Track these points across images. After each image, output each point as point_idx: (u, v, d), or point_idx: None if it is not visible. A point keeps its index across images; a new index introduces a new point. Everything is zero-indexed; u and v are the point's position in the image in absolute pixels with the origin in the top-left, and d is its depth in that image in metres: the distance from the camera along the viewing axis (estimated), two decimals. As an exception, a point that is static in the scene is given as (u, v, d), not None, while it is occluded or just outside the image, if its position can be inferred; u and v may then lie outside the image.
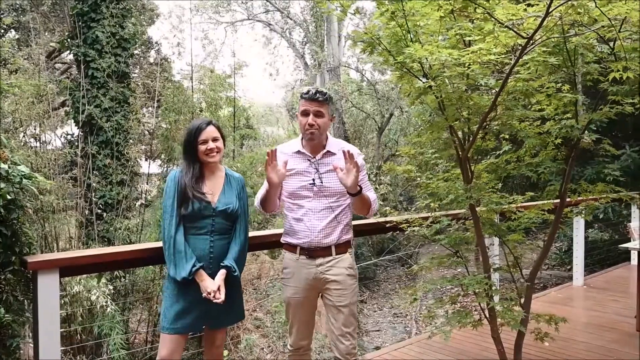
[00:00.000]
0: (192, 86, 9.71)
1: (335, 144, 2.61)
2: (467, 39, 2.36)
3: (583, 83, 3.18)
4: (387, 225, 3.38)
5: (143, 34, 11.39)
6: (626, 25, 2.49)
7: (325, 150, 2.55)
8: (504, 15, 2.02)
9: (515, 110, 2.71)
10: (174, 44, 17.31)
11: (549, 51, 2.48)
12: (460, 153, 2.97)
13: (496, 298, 3.20)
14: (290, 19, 18.68)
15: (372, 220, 3.42)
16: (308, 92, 2.46)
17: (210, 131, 2.50)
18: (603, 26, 2.28)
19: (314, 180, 2.50)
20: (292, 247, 2.58)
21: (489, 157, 3.39)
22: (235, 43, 25.19)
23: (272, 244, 3.18)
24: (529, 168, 3.07)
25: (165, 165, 9.22)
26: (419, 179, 3.36)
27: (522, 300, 3.24)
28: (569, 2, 1.90)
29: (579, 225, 5.87)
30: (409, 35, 2.50)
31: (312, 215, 2.50)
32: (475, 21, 2.29)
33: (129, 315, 6.99)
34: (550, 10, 1.87)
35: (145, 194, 9.93)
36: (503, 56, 2.39)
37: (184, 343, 2.53)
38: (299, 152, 2.56)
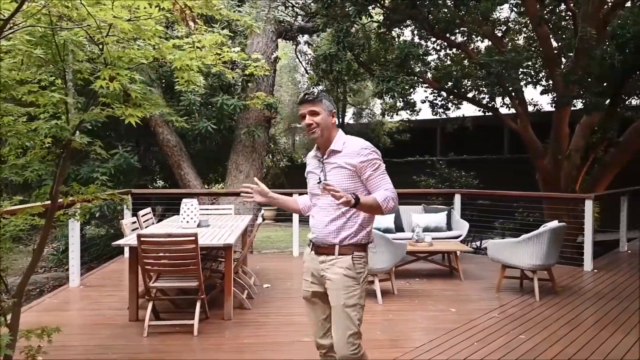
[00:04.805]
0: None
1: (340, 140, 2.57)
2: None
3: (75, 81, 3.09)
4: None
5: None
6: (114, 30, 2.55)
7: (330, 149, 2.57)
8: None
9: (-4, 103, 2.32)
10: None
11: (35, 42, 2.23)
12: None
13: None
14: None
15: None
16: (299, 97, 2.57)
17: None
18: (92, 27, 2.23)
19: (320, 179, 2.58)
20: (309, 242, 2.67)
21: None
22: None
23: None
24: (14, 170, 2.73)
25: None
26: None
27: (9, 319, 2.85)
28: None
29: (74, 226, 5.79)
30: None
31: (320, 211, 2.59)
32: None
33: None
34: (31, -6, 1.65)
35: None
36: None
37: None
38: (315, 155, 2.69)
